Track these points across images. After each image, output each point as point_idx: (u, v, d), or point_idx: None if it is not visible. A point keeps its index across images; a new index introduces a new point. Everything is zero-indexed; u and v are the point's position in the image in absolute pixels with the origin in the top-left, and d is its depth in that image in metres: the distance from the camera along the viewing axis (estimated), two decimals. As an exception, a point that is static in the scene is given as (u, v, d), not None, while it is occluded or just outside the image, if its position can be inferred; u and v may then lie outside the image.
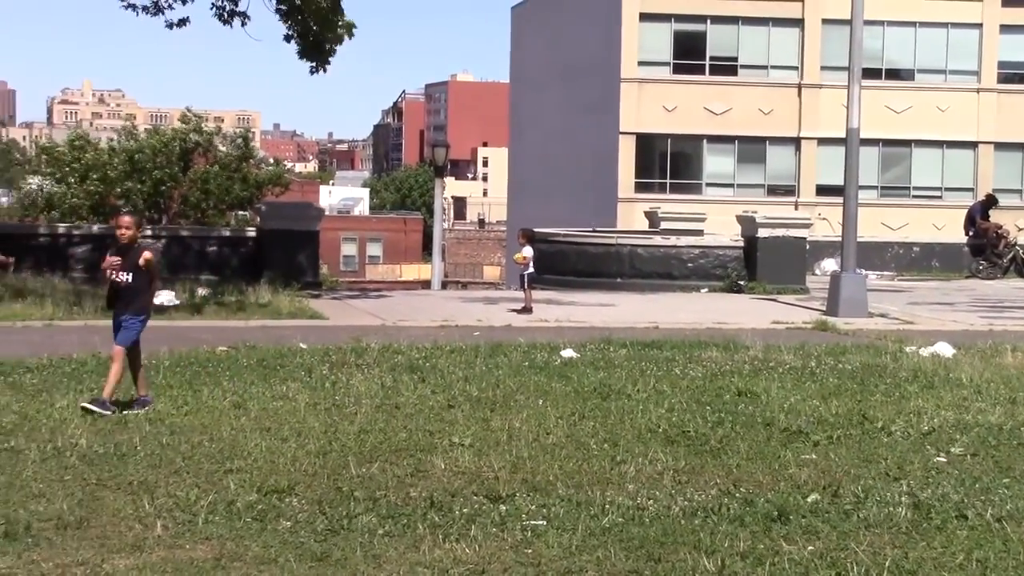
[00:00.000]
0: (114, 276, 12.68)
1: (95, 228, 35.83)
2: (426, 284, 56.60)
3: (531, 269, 26.00)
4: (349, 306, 27.53)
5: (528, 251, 26.13)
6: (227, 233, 36.29)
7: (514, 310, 25.49)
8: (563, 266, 35.67)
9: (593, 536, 8.19)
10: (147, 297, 13.08)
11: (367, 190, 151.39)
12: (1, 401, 12.63)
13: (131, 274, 12.63)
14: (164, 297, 24.73)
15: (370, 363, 16.15)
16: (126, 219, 12.95)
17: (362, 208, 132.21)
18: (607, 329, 20.99)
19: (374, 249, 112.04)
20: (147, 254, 12.76)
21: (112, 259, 12.70)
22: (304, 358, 16.61)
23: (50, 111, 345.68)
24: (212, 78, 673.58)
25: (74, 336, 18.22)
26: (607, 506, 8.88)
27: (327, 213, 55.05)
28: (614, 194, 55.27)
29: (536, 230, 37.92)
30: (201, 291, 26.22)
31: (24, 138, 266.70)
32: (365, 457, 10.44)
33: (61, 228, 35.44)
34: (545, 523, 8.45)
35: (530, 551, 7.86)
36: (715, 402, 13.55)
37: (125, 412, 12.27)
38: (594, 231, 39.95)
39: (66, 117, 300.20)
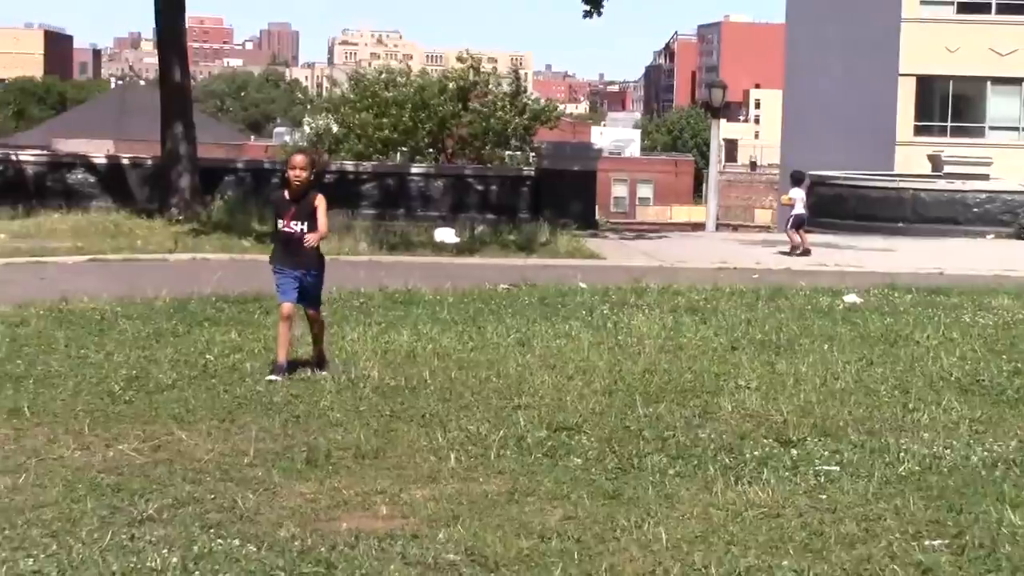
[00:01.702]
0: (285, 226, 11.04)
1: (380, 167, 36.63)
2: (697, 226, 56.17)
3: (800, 210, 25.60)
4: (625, 246, 27.56)
5: (796, 192, 25.75)
6: (507, 173, 36.65)
7: (783, 252, 25.20)
8: (842, 210, 34.97)
9: (889, 484, 8.01)
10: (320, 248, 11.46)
11: (638, 131, 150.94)
12: (296, 333, 12.99)
13: (306, 223, 10.99)
14: (445, 235, 25.20)
15: (650, 303, 16.13)
16: (299, 158, 11.21)
17: (633, 150, 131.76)
18: (889, 275, 20.48)
19: (644, 191, 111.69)
20: (321, 197, 11.13)
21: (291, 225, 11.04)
22: (584, 297, 16.68)
23: (331, 52, 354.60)
24: (486, 19, 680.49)
25: (361, 271, 18.65)
26: (902, 454, 8.67)
27: (599, 154, 55.04)
28: (892, 137, 53.83)
29: (814, 173, 37.30)
30: (481, 229, 26.57)
31: (306, 78, 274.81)
32: (651, 397, 10.43)
33: (348, 165, 36.31)
34: (839, 468, 8.31)
35: (824, 496, 7.73)
36: (1009, 351, 13.10)
37: (271, 378, 10.85)
38: (875, 175, 39.00)
39: (346, 58, 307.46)
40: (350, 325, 13.76)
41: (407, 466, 8.28)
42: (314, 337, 11.43)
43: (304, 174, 10.97)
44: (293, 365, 11.11)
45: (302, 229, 10.96)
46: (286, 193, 11.09)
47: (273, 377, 10.72)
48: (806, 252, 25.02)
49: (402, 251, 23.71)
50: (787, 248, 25.45)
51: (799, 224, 25.76)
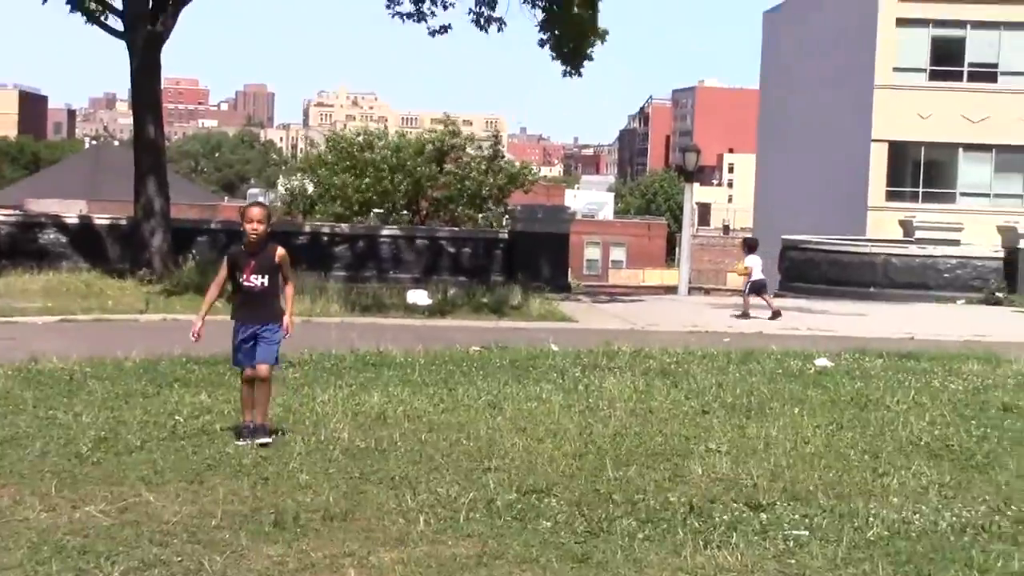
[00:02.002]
0: (245, 280, 10.83)
1: (354, 228, 36.69)
2: (670, 289, 56.33)
3: (758, 275, 26.06)
4: (598, 310, 27.60)
5: (752, 260, 26.18)
6: (480, 234, 36.77)
7: (736, 314, 25.76)
8: (814, 274, 35.17)
9: (858, 548, 8.01)
10: (281, 303, 11.14)
11: (612, 195, 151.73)
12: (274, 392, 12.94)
13: (266, 276, 10.84)
14: (418, 296, 25.21)
15: (622, 367, 16.15)
16: (256, 211, 10.97)
17: (606, 213, 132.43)
18: (861, 339, 20.58)
19: (617, 254, 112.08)
20: (281, 250, 10.98)
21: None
22: (556, 360, 16.68)
23: (306, 113, 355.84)
24: (460, 82, 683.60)
25: (332, 332, 18.63)
26: (871, 518, 8.67)
27: (572, 217, 55.25)
28: (864, 202, 54.20)
29: (786, 237, 37.55)
30: (453, 291, 26.61)
31: (281, 139, 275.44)
32: (621, 460, 10.42)
33: (322, 227, 36.38)
34: (808, 533, 8.30)
35: (793, 561, 7.73)
36: (979, 416, 13.15)
37: (239, 442, 10.59)
38: (846, 239, 39.23)
39: (321, 119, 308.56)
40: (321, 387, 13.71)
41: (376, 528, 8.24)
42: (256, 399, 10.90)
43: (262, 227, 10.81)
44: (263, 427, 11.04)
45: (263, 283, 10.82)
46: (244, 247, 10.93)
47: (242, 442, 10.54)
48: (776, 314, 25.26)
49: (374, 313, 23.71)
50: (738, 312, 25.93)
51: (759, 289, 26.14)
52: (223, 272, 10.96)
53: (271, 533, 8.06)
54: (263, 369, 10.86)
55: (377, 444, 10.80)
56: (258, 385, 10.86)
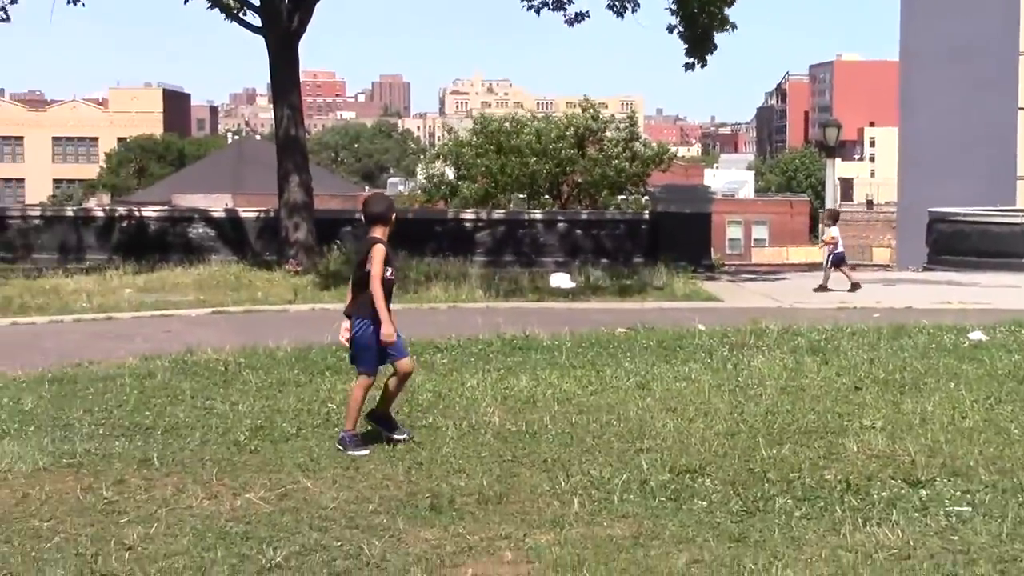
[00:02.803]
0: (391, 275, 10.21)
1: (496, 214, 36.80)
2: (814, 267, 55.62)
3: (840, 249, 25.76)
4: (742, 288, 27.38)
5: (835, 231, 25.98)
6: (621, 216, 36.67)
7: (820, 287, 25.30)
8: (963, 246, 34.46)
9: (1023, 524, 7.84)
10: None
11: (751, 173, 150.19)
12: (416, 380, 13.05)
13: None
14: (561, 280, 25.24)
15: (770, 344, 15.99)
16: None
17: (747, 191, 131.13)
18: (1015, 311, 20.10)
19: (759, 232, 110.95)
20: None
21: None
22: (703, 339, 16.58)
23: (442, 102, 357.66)
24: (595, 65, 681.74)
25: (477, 317, 18.72)
26: (1035, 493, 8.49)
27: (712, 196, 54.85)
28: (1013, 172, 53.00)
29: (933, 209, 36.86)
30: (596, 274, 26.57)
31: (418, 128, 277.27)
32: (774, 439, 10.32)
33: (465, 213, 36.59)
34: (970, 509, 8.15)
35: (956, 538, 7.59)
36: None
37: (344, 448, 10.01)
38: (996, 210, 38.41)
39: (456, 107, 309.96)
40: (469, 372, 13.79)
41: (531, 511, 8.27)
42: (390, 397, 10.42)
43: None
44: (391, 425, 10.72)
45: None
46: (386, 243, 10.26)
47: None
48: (856, 286, 25.18)
49: (518, 297, 23.76)
50: (818, 285, 25.63)
51: (840, 261, 25.86)
52: (380, 267, 10.03)
53: (427, 517, 8.13)
54: (405, 363, 10.26)
55: (528, 427, 10.83)
56: (398, 385, 10.32)
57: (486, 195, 51.02)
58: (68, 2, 30.52)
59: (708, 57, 30.93)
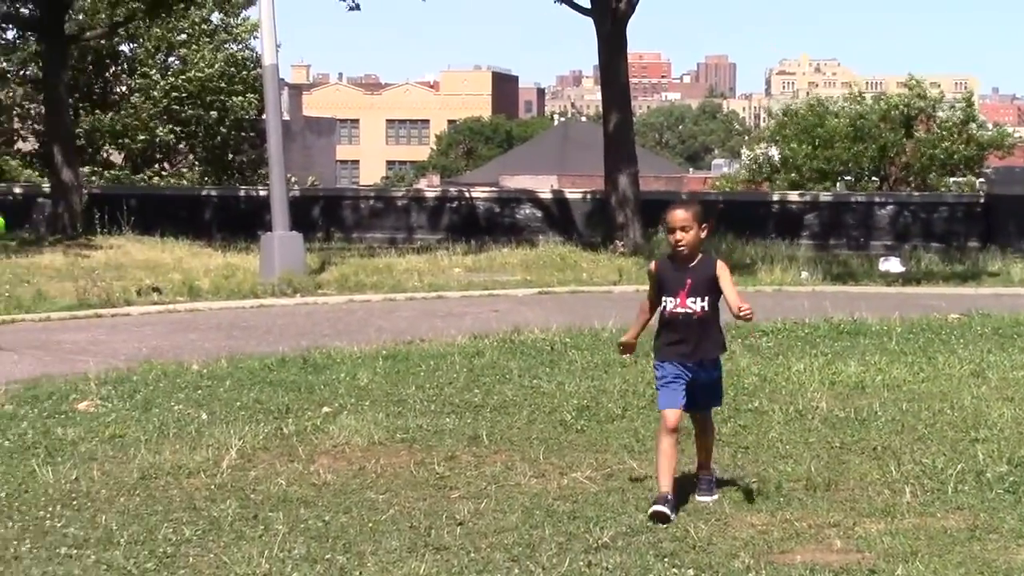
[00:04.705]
0: (680, 304, 8.07)
1: (822, 196, 36.18)
2: None
3: None
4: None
5: None
6: (952, 199, 35.58)
7: None
8: None
9: None
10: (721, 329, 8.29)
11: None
12: (742, 363, 12.96)
13: (706, 297, 8.06)
14: (891, 264, 24.67)
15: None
16: (680, 214, 8.07)
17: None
18: None
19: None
20: (721, 264, 8.14)
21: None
22: (1043, 327, 15.92)
23: (768, 82, 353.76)
24: (928, 42, 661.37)
25: (804, 301, 18.46)
26: None
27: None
28: None
29: None
30: (928, 257, 25.87)
31: (743, 109, 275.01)
32: (1121, 432, 9.82)
33: (790, 195, 36.11)
34: None
35: None
36: None
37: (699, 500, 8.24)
38: None
39: (783, 87, 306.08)
40: (795, 356, 13.60)
41: (860, 499, 8.10)
42: (701, 446, 8.47)
43: (690, 235, 8.00)
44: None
45: (703, 307, 8.04)
46: (671, 258, 8.23)
47: (659, 508, 7.69)
48: None
49: (845, 281, 23.34)
50: None
51: None
52: (652, 287, 8.37)
53: (754, 502, 8.06)
54: (707, 416, 8.48)
55: (856, 413, 10.61)
56: (698, 436, 8.49)
57: (795, 185, 50.05)
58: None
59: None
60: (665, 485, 7.88)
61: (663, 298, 8.16)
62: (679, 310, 8.06)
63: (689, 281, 8.03)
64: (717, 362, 8.33)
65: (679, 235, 8.01)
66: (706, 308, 8.04)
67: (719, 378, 8.39)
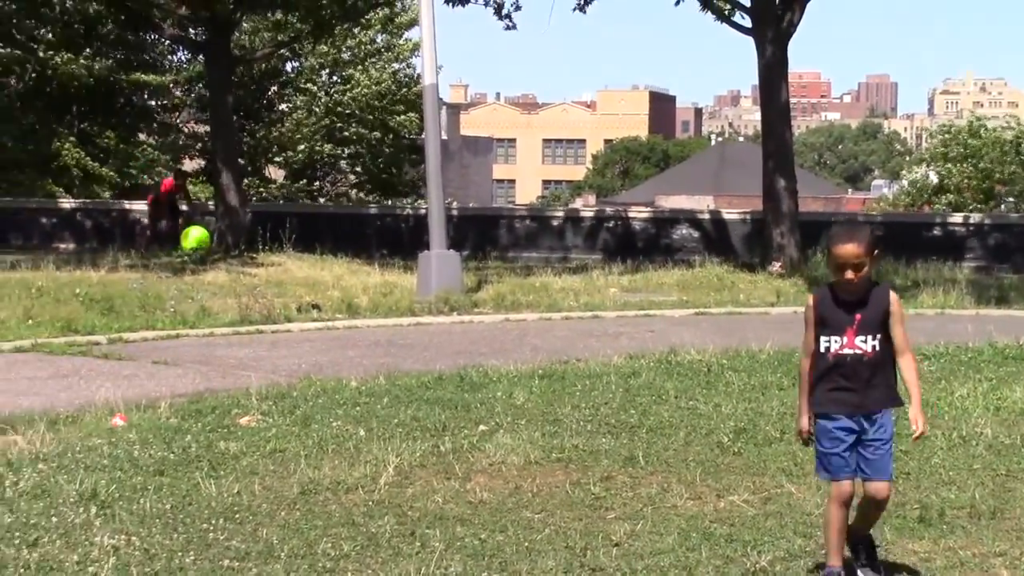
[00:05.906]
0: (847, 345, 6.83)
1: (986, 219, 35.42)
2: None
3: None
4: None
5: None
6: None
7: None
8: None
9: None
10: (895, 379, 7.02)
11: None
12: (901, 388, 12.70)
13: (876, 336, 6.82)
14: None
15: None
16: (848, 248, 6.74)
17: None
18: None
19: None
20: (894, 296, 6.92)
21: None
22: None
23: (931, 102, 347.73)
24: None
25: (967, 325, 18.07)
26: None
27: None
28: None
29: None
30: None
31: (905, 129, 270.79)
32: None
33: (953, 217, 35.42)
34: None
35: None
36: None
37: None
38: None
39: (946, 107, 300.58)
40: (959, 380, 13.32)
41: (1027, 529, 7.92)
42: (866, 519, 7.10)
43: (860, 274, 6.76)
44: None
45: (874, 346, 6.81)
46: (834, 297, 6.93)
47: None
48: None
49: (1012, 304, 22.82)
50: None
51: None
52: (810, 331, 6.98)
53: (916, 528, 7.92)
54: (881, 488, 6.93)
55: (1022, 440, 10.36)
56: (870, 510, 7.08)
57: (956, 207, 49.11)
58: (574, 9, 31.94)
59: None
60: (835, 560, 6.91)
61: (825, 338, 6.88)
62: (846, 351, 6.81)
63: (859, 317, 6.81)
64: (888, 418, 6.96)
65: (849, 274, 6.74)
66: (877, 348, 6.79)
67: (891, 438, 6.97)
